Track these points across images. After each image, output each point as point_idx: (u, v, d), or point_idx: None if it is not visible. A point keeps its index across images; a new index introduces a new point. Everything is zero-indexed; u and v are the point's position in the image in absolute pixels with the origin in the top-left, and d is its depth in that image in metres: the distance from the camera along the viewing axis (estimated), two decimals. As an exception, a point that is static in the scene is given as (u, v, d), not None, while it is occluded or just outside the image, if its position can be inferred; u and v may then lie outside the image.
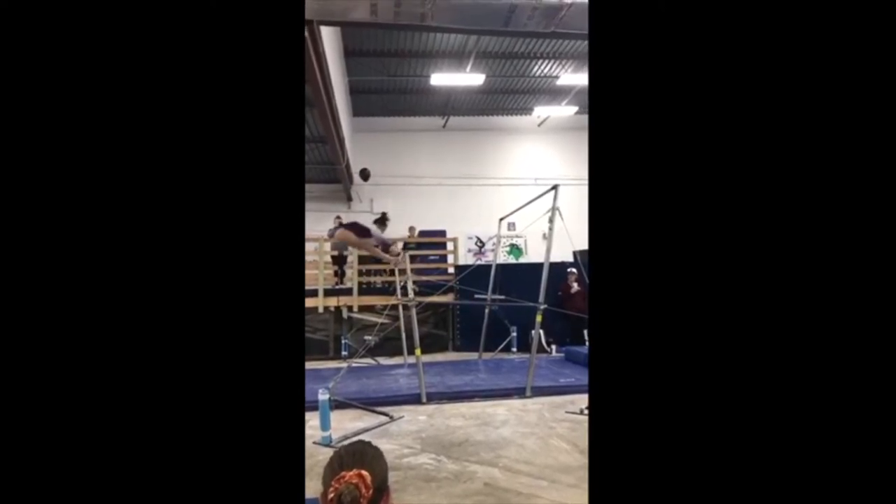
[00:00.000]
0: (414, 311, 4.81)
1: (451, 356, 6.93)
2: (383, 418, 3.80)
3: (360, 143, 9.51)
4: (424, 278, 6.92)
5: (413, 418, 3.83)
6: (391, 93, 8.68)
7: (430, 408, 4.11)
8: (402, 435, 3.46)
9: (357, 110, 9.31)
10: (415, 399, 4.24)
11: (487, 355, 6.43)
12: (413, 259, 6.75)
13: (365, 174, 9.63)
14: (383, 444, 3.26)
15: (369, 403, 4.09)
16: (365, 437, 3.32)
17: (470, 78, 7.44)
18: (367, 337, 6.10)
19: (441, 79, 7.43)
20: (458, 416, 3.86)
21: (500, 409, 4.02)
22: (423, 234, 8.34)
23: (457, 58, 7.20)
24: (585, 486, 2.60)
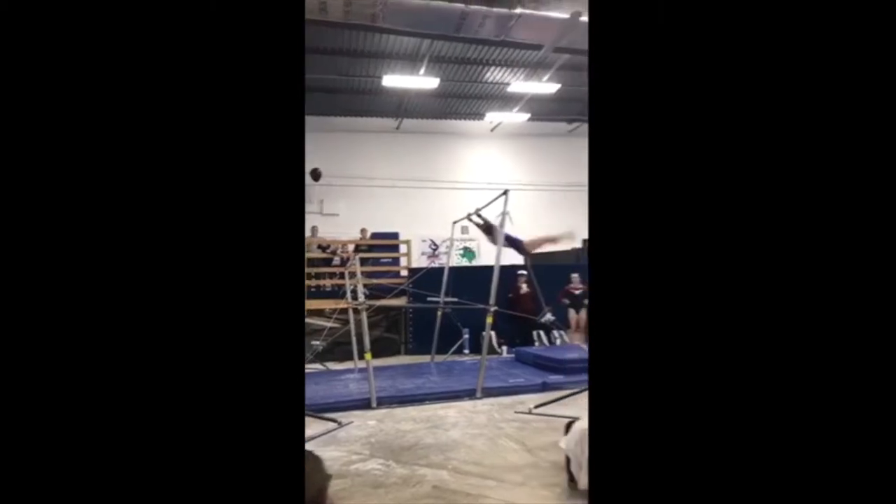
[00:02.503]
0: (364, 315, 4.74)
1: (404, 360, 6.88)
2: (331, 424, 3.71)
3: (310, 142, 9.17)
4: (375, 281, 6.84)
5: (362, 423, 3.76)
6: (342, 92, 8.52)
7: (381, 412, 4.05)
8: (350, 441, 3.39)
9: (307, 108, 9.05)
10: (365, 404, 4.17)
11: (440, 358, 6.44)
12: (364, 262, 6.66)
13: (316, 174, 9.38)
14: (330, 452, 3.19)
15: (318, 410, 3.98)
16: (311, 444, 3.22)
17: (423, 81, 7.45)
18: (315, 342, 5.93)
19: (394, 80, 7.39)
20: (408, 420, 3.83)
21: (451, 412, 4.03)
22: (375, 236, 8.24)
23: (410, 60, 7.19)
24: (533, 483, 2.66)
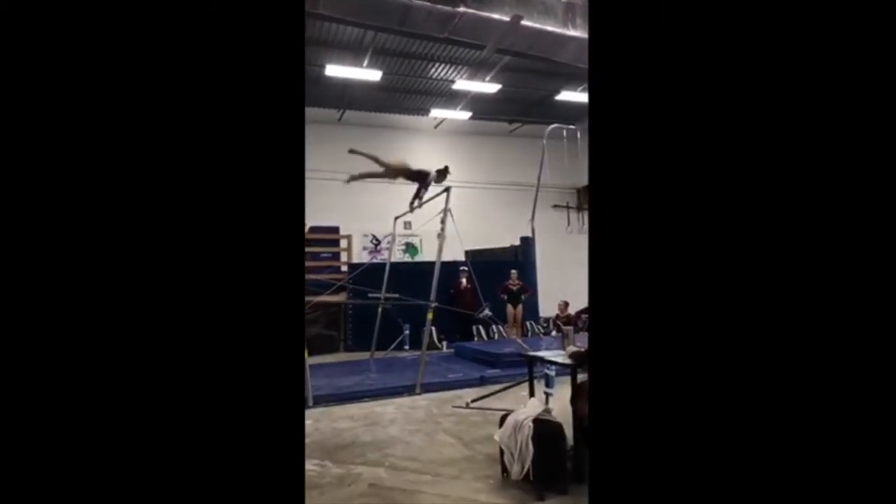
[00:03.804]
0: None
1: (343, 357, 6.75)
2: (264, 426, 3.57)
3: (245, 130, 8.74)
4: (314, 277, 6.64)
5: (297, 424, 3.65)
6: (281, 79, 8.13)
7: (317, 411, 3.96)
8: (284, 442, 3.28)
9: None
10: (300, 403, 4.06)
11: (380, 354, 6.39)
12: (303, 257, 6.42)
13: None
14: (263, 455, 3.06)
15: (249, 412, 3.81)
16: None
17: (367, 73, 7.30)
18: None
19: (336, 70, 7.18)
20: (345, 419, 3.78)
21: (389, 408, 4.03)
22: (314, 229, 7.99)
23: (353, 51, 7.02)
24: (467, 476, 2.71)
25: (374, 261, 8.39)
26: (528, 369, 3.19)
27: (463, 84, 8.00)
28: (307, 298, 5.35)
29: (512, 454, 2.40)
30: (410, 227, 8.92)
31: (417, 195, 5.12)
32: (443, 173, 4.99)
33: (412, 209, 5.28)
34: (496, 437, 2.55)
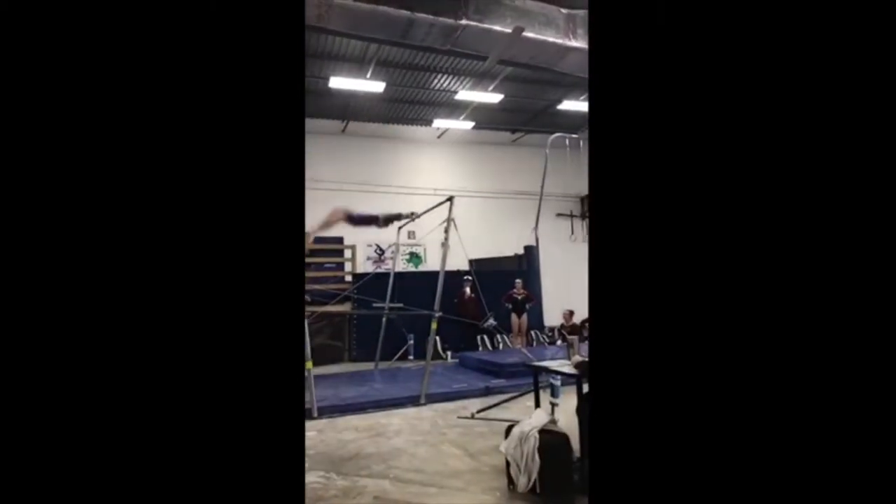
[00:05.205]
0: (306, 322, 4.60)
1: (348, 367, 6.74)
2: (268, 438, 3.55)
3: (250, 142, 8.82)
4: (318, 287, 6.65)
5: (302, 435, 3.63)
6: (286, 92, 8.22)
7: (322, 422, 3.94)
8: (288, 454, 3.26)
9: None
10: (305, 414, 4.04)
11: (384, 365, 6.37)
12: (306, 267, 6.45)
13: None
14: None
15: (253, 423, 3.80)
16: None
17: (370, 84, 7.38)
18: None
19: (340, 82, 7.27)
20: (350, 430, 3.76)
21: (395, 419, 4.00)
22: (318, 240, 8.01)
23: (357, 63, 7.10)
24: (473, 488, 2.69)
25: (378, 271, 8.40)
26: (533, 379, 3.18)
27: (465, 94, 8.06)
28: (312, 309, 5.35)
29: (518, 466, 2.38)
30: (414, 237, 8.94)
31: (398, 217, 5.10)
32: (388, 220, 4.94)
33: (413, 219, 5.29)
34: (502, 449, 2.53)
